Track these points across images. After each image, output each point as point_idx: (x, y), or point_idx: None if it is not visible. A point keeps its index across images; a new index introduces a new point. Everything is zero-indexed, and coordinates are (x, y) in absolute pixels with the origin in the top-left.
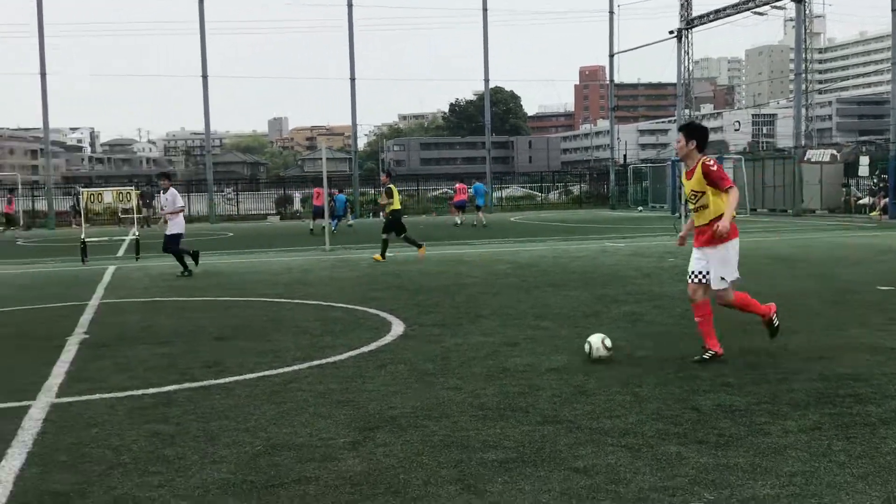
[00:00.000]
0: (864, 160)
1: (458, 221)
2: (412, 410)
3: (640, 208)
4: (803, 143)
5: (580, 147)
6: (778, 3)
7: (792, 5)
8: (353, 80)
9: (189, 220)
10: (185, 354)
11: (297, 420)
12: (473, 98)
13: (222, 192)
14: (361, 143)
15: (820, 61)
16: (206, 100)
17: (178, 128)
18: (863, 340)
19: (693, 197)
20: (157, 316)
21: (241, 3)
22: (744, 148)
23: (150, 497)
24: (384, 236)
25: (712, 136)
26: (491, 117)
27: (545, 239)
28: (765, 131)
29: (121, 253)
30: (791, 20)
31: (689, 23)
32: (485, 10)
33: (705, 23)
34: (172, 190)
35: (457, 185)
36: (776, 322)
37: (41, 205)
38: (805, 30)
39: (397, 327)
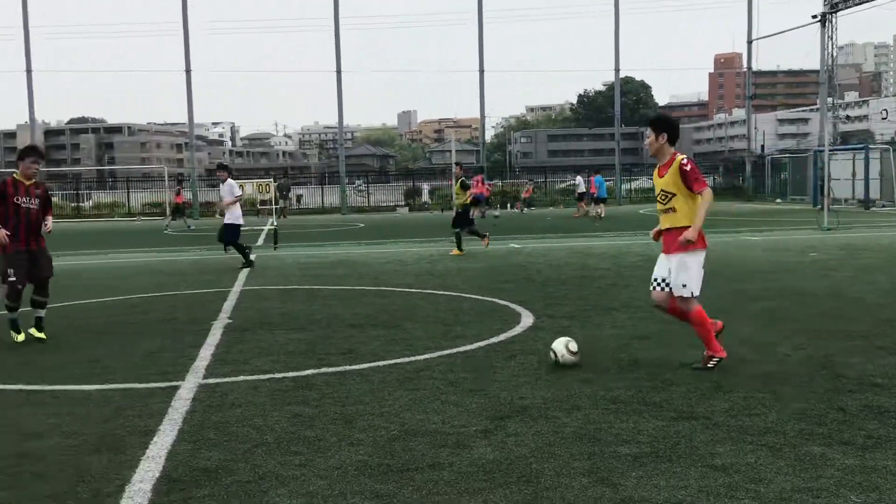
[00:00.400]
0: None
1: (496, 214)
2: (542, 401)
3: (778, 200)
4: None
5: (714, 137)
6: None
7: None
8: (482, 71)
9: (321, 211)
10: (321, 340)
11: (430, 407)
12: (602, 88)
13: (353, 184)
14: (488, 134)
15: None
16: (340, 94)
17: (311, 122)
18: None
19: (663, 198)
20: (294, 303)
21: None
22: (891, 138)
23: (293, 475)
24: (456, 230)
25: (857, 126)
26: (620, 108)
27: None
28: None
29: (260, 242)
30: None
31: (834, 6)
32: None
33: (851, 6)
34: (230, 181)
35: (475, 178)
36: (712, 364)
37: (186, 196)
38: None
39: (526, 318)
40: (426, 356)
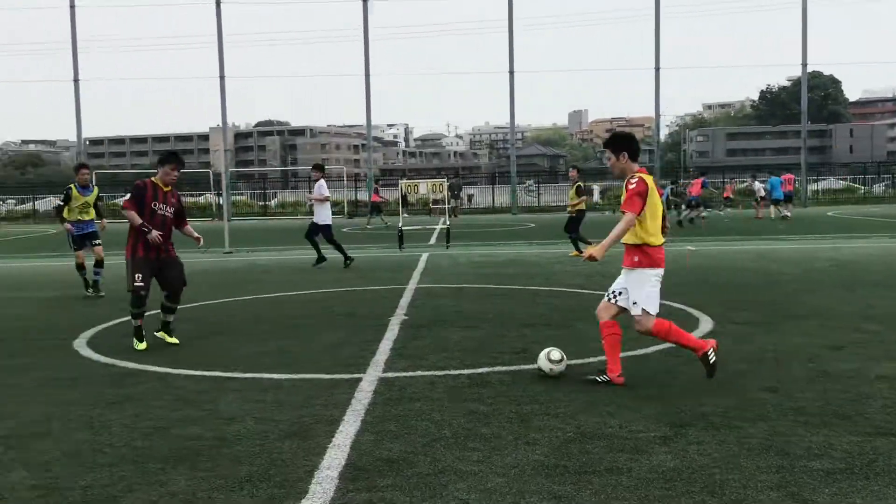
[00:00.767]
0: None
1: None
2: (725, 409)
3: None
4: None
5: None
6: None
7: None
8: (657, 69)
9: (492, 210)
10: (495, 339)
11: (606, 410)
12: (787, 84)
13: (524, 183)
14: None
15: None
16: (512, 95)
17: (482, 122)
18: None
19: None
20: (467, 301)
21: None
22: None
23: (471, 471)
24: (570, 235)
25: None
26: (807, 104)
27: (868, 235)
28: None
29: (432, 241)
30: None
31: None
32: None
33: None
34: (321, 181)
35: (695, 181)
36: (712, 358)
37: (363, 195)
38: None
39: (705, 324)
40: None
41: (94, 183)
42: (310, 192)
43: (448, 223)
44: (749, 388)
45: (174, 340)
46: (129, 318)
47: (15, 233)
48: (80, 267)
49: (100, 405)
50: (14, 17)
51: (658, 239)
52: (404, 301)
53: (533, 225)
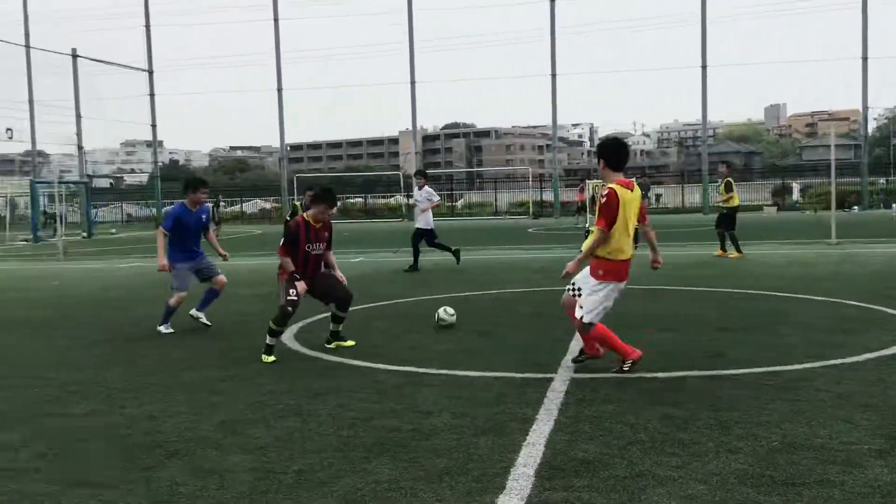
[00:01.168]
0: None
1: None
2: None
3: None
4: None
5: None
6: None
7: None
8: (864, 59)
9: (681, 210)
10: (689, 342)
11: (814, 420)
12: None
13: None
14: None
15: None
16: (704, 90)
17: (671, 119)
18: None
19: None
20: (658, 303)
21: None
22: None
23: (670, 476)
24: (719, 231)
25: None
26: None
27: None
28: None
29: None
30: None
31: None
32: None
33: None
34: (427, 187)
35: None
36: (627, 367)
37: (548, 195)
38: None
39: None
40: (806, 365)
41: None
42: (413, 197)
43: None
44: None
45: (351, 343)
46: (269, 334)
47: (225, 233)
48: None
49: (307, 395)
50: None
51: (625, 254)
52: None
53: None
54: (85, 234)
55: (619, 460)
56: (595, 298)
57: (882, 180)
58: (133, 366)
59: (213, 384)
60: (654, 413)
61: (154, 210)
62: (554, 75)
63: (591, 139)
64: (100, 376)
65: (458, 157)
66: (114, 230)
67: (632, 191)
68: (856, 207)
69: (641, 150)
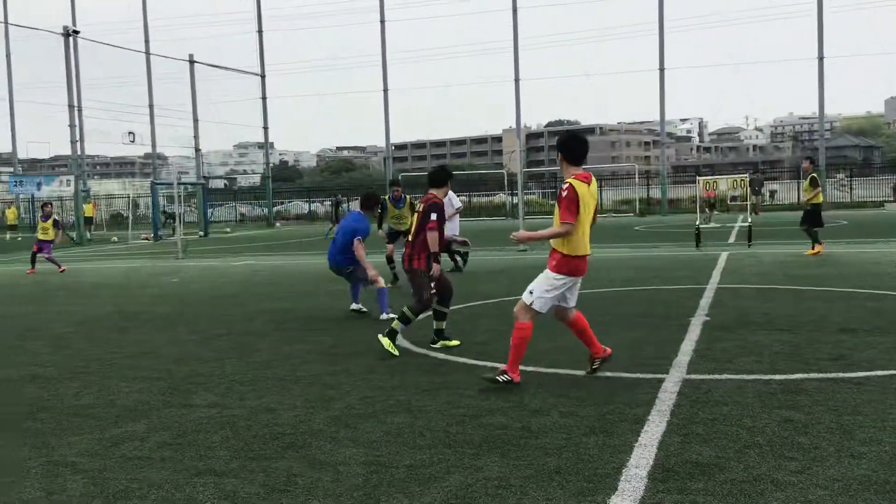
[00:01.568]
0: None
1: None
2: None
3: None
4: None
5: None
6: None
7: None
8: None
9: (797, 207)
10: (808, 344)
11: None
12: None
13: (834, 178)
14: None
15: None
16: (821, 82)
17: (785, 113)
18: None
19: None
20: (775, 302)
21: None
22: None
23: (789, 481)
24: (805, 229)
25: None
26: None
27: None
28: None
29: (731, 240)
30: None
31: None
32: None
33: None
34: (451, 193)
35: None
36: (502, 379)
37: (655, 192)
38: None
39: None
40: None
41: (404, 196)
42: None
43: (750, 221)
44: None
45: (456, 342)
46: (401, 321)
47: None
48: (389, 260)
49: (416, 391)
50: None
51: (581, 250)
52: (704, 301)
53: (845, 222)
54: (202, 233)
55: (736, 464)
56: (547, 288)
57: None
58: (250, 359)
59: (326, 379)
60: (773, 416)
61: (266, 210)
62: (662, 69)
63: (701, 135)
64: (220, 369)
65: None
66: (228, 229)
67: (589, 184)
68: None
69: (754, 146)
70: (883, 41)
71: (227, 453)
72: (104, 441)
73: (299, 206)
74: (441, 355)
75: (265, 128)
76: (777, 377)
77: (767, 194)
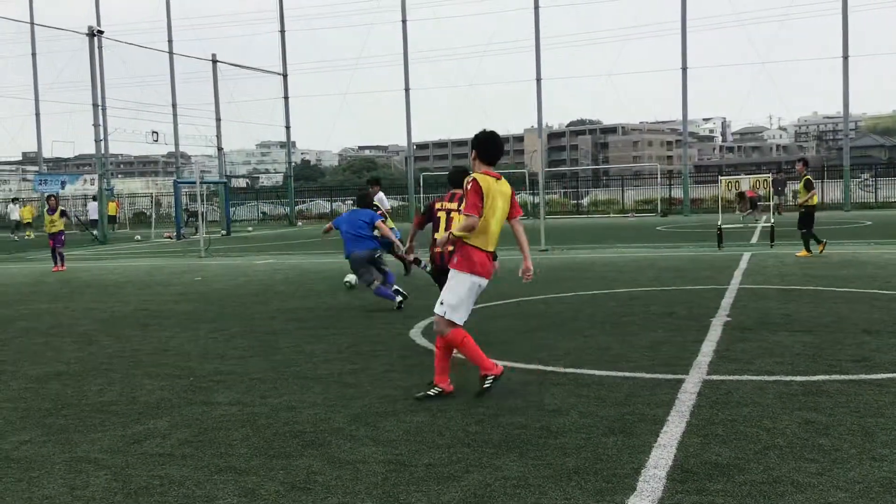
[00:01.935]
0: None
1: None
2: None
3: None
4: None
5: None
6: None
7: None
8: None
9: (820, 207)
10: (830, 345)
11: None
12: None
13: (858, 178)
14: None
15: None
16: (846, 81)
17: (809, 112)
18: None
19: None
20: (796, 303)
21: None
22: None
23: (809, 483)
24: (802, 231)
25: None
26: None
27: None
28: None
29: (754, 240)
30: None
31: None
32: None
33: None
34: (380, 194)
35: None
36: (488, 383)
37: (677, 193)
38: None
39: None
40: None
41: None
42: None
43: (773, 221)
44: None
45: None
46: None
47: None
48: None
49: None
50: (353, 33)
51: (487, 245)
52: (726, 301)
53: (869, 223)
54: (224, 232)
55: (755, 465)
56: (456, 291)
57: None
58: (272, 358)
59: (346, 377)
60: (793, 417)
61: (287, 209)
62: (685, 69)
63: (724, 134)
64: (241, 367)
65: (583, 154)
66: (250, 228)
67: (498, 180)
68: None
69: (777, 145)
70: None
71: (248, 451)
72: (126, 438)
73: (321, 204)
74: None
75: (287, 127)
76: (798, 378)
77: (790, 194)
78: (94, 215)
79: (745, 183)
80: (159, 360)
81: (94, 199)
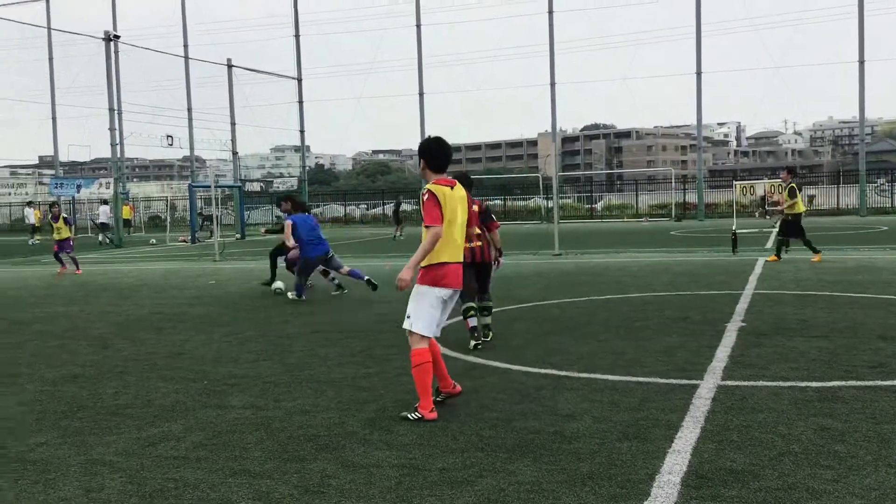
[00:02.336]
0: None
1: None
2: None
3: None
4: None
5: None
6: None
7: None
8: None
9: (836, 212)
10: (845, 351)
11: None
12: None
13: (874, 182)
14: None
15: None
16: (862, 86)
17: (825, 117)
18: None
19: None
20: (812, 309)
21: None
22: None
23: (825, 490)
24: (780, 237)
25: None
26: None
27: None
28: None
29: (769, 245)
30: None
31: None
32: None
33: None
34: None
35: None
36: (413, 416)
37: (691, 197)
38: None
39: None
40: None
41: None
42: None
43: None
44: None
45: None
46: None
47: (369, 234)
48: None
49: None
50: (367, 37)
51: (447, 256)
52: (741, 307)
53: (885, 228)
54: (238, 236)
55: (770, 471)
56: (422, 306)
57: None
58: (285, 361)
59: (360, 381)
60: (808, 424)
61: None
62: (699, 73)
63: (738, 139)
64: (255, 370)
65: (597, 158)
66: (264, 231)
67: (452, 188)
68: None
69: (792, 150)
70: None
71: (262, 454)
72: (141, 440)
73: (335, 208)
74: (474, 359)
75: (302, 131)
76: (813, 384)
77: (806, 199)
78: (103, 219)
79: (761, 187)
80: (174, 363)
81: (105, 202)
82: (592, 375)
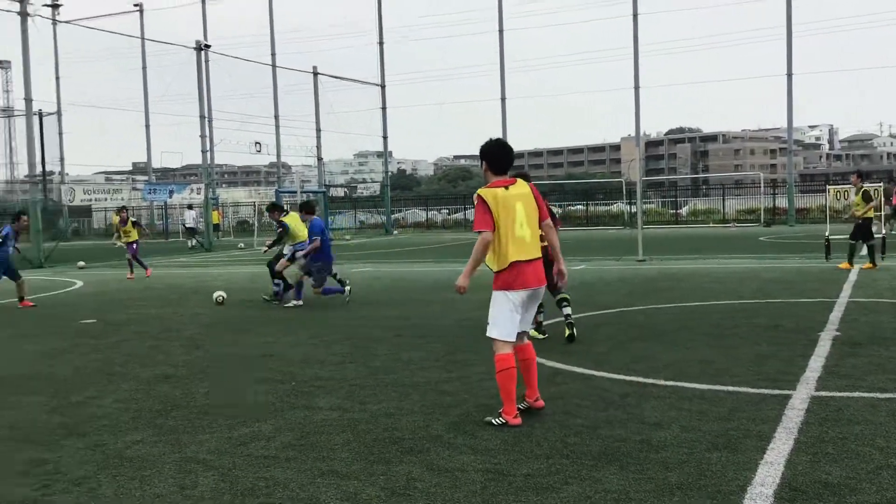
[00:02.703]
0: None
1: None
2: None
3: None
4: None
5: None
6: None
7: None
8: None
9: None
10: None
11: None
12: None
13: None
14: None
15: None
16: None
17: None
18: None
19: None
20: None
21: None
22: None
23: None
24: (852, 242)
25: None
26: None
27: None
28: None
29: (864, 252)
30: None
31: None
32: None
33: None
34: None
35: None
36: (496, 422)
37: (781, 202)
38: None
39: None
40: None
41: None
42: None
43: (883, 232)
44: None
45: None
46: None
47: (450, 239)
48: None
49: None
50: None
51: (511, 256)
52: (835, 315)
53: None
54: None
55: (868, 485)
56: (496, 309)
57: None
58: (370, 364)
59: (443, 385)
60: None
61: (383, 217)
62: (790, 75)
63: (831, 142)
64: (340, 373)
65: (682, 162)
66: (348, 236)
67: (507, 188)
68: None
69: (888, 153)
70: None
71: (349, 455)
72: (232, 440)
73: (416, 213)
74: (557, 365)
75: (384, 137)
76: None
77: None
78: (190, 223)
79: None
80: (262, 364)
81: (190, 207)
82: (679, 384)
